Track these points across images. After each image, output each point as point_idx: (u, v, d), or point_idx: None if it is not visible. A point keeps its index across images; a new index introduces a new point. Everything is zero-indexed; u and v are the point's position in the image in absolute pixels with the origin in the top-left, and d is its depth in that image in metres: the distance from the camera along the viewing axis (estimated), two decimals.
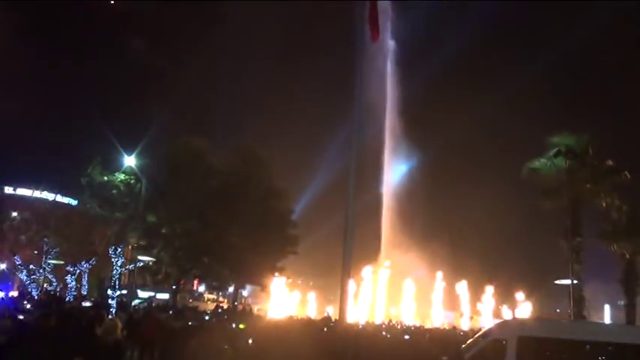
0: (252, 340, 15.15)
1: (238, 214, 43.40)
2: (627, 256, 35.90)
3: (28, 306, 26.53)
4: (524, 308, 71.37)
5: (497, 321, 32.79)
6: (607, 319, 64.57)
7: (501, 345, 18.31)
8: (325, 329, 24.47)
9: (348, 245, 13.48)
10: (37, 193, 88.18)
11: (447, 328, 45.50)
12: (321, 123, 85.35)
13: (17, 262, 51.06)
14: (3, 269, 67.56)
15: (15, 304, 19.39)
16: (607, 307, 68.73)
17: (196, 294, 67.56)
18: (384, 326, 36.75)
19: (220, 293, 63.40)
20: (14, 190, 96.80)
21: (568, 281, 36.90)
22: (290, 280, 62.02)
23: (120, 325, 10.27)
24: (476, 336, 21.83)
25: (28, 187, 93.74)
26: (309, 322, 26.58)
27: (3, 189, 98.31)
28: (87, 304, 27.91)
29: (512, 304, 75.90)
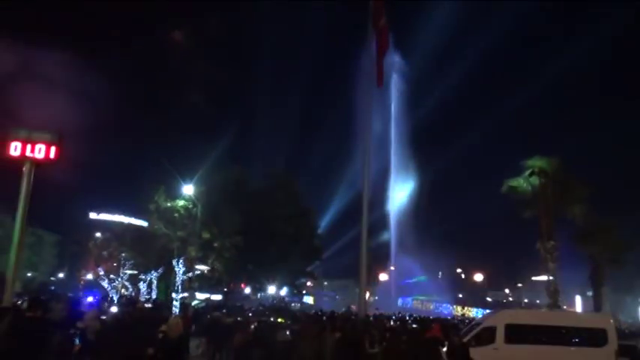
0: (289, 331, 15.03)
1: (275, 231, 43.54)
2: (593, 255, 35.48)
3: (115, 309, 26.62)
4: (510, 300, 70.40)
5: (488, 311, 32.37)
6: (578, 308, 63.31)
7: (492, 330, 18.13)
8: (347, 320, 24.24)
9: (363, 252, 13.44)
10: (115, 217, 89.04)
11: (447, 318, 44.91)
12: (340, 152, 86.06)
13: (100, 273, 51.44)
14: (90, 279, 68.19)
15: (99, 307, 19.49)
16: (578, 298, 67.42)
17: (243, 295, 67.44)
18: (394, 317, 36.32)
19: (262, 294, 63.20)
20: (97, 214, 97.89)
21: (545, 277, 36.46)
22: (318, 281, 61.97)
23: (181, 322, 10.26)
24: (471, 324, 21.57)
25: (109, 213, 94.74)
26: (333, 315, 26.30)
27: (89, 214, 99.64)
28: (148, 305, 27.86)
29: (500, 297, 75.04)
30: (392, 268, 75.70)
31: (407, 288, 72.86)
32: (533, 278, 63.86)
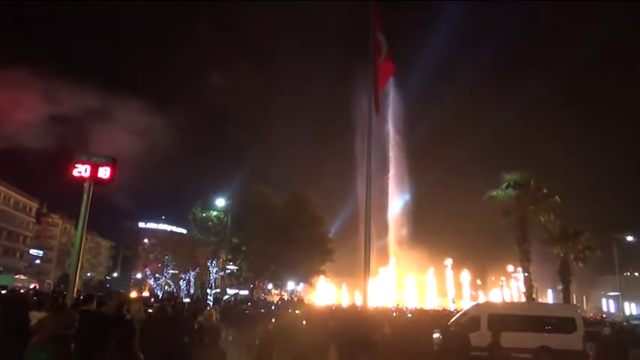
0: (306, 321, 14.91)
1: (292, 236, 43.42)
2: (562, 255, 35.01)
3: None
4: (492, 294, 69.46)
5: (473, 303, 31.96)
6: (550, 300, 62.39)
7: (477, 320, 17.91)
8: (353, 312, 24.02)
9: (367, 253, 13.35)
10: (160, 226, 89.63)
11: (438, 309, 44.35)
12: (347, 167, 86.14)
13: (148, 273, 51.64)
14: (139, 278, 68.37)
15: (145, 301, 19.45)
16: (550, 291, 66.47)
17: (266, 290, 67.22)
18: (393, 309, 35.93)
19: (282, 289, 62.99)
20: (145, 224, 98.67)
21: (521, 274, 36.01)
22: (329, 279, 61.59)
23: (215, 313, 10.20)
24: (458, 314, 21.29)
25: (155, 222, 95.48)
26: (341, 308, 26.16)
27: (138, 224, 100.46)
28: (186, 300, 27.82)
29: (484, 291, 74.04)
30: (391, 266, 75.05)
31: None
32: (512, 275, 63.17)
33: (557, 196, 35.35)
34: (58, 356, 4.18)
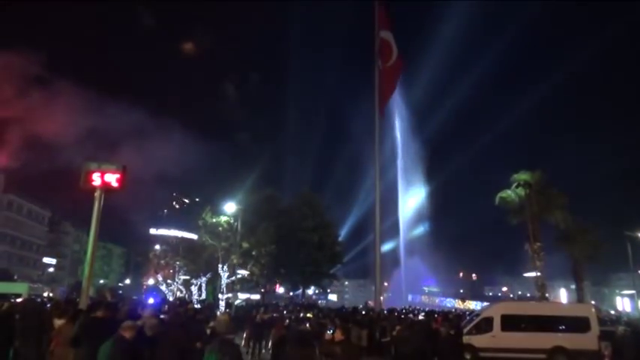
0: (308, 324, 14.87)
1: (303, 240, 43.40)
2: (573, 253, 34.70)
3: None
4: (505, 294, 68.97)
5: (486, 304, 31.74)
6: (563, 300, 61.77)
7: (490, 320, 17.79)
8: (364, 313, 23.90)
9: (377, 255, 13.34)
10: (171, 232, 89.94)
11: (450, 310, 44.07)
12: (356, 172, 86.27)
13: (159, 279, 51.84)
14: (151, 284, 68.62)
15: (158, 307, 19.46)
16: (563, 290, 65.79)
17: (277, 294, 67.09)
18: (404, 310, 35.76)
19: (293, 293, 62.88)
20: (156, 230, 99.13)
21: (533, 273, 35.69)
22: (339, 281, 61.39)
23: (228, 318, 10.17)
24: (471, 315, 21.17)
25: (165, 228, 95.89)
26: (354, 310, 25.95)
27: (149, 230, 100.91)
28: (198, 305, 27.77)
29: (496, 291, 73.56)
30: (402, 268, 74.81)
31: (416, 286, 71.81)
32: (524, 274, 62.71)
33: (567, 194, 35.12)
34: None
